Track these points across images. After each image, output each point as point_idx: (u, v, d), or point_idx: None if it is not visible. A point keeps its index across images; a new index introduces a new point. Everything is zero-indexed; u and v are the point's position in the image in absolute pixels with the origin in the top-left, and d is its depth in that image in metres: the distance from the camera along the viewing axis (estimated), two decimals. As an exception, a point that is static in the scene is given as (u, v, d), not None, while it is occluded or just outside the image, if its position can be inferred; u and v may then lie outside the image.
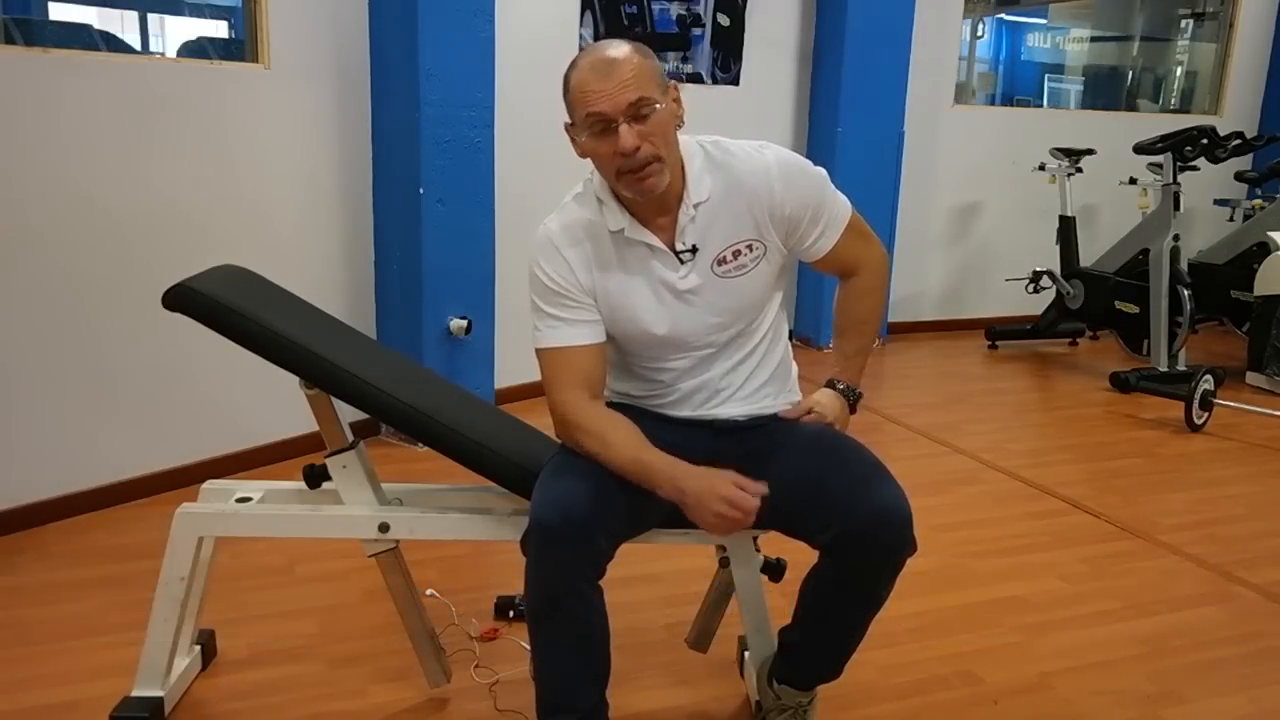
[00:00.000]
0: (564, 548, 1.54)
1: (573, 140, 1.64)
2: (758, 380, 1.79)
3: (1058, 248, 5.20)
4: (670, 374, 1.76)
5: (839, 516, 1.58)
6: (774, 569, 2.02)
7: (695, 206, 1.66)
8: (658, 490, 1.59)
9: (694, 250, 1.68)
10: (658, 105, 1.57)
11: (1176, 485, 3.42)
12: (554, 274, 1.68)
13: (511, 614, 2.30)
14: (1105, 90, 7.11)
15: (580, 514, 1.54)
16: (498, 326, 3.61)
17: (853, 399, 1.86)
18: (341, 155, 3.36)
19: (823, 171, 1.75)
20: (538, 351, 1.70)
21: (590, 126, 1.57)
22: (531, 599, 1.59)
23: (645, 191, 1.60)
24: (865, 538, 1.58)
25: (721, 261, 1.69)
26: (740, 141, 1.73)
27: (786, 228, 1.72)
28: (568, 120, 1.63)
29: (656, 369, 1.77)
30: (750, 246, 1.70)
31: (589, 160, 1.65)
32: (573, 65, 1.61)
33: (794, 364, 1.89)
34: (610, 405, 1.76)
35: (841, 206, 1.77)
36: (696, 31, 4.43)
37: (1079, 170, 5.17)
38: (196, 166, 2.97)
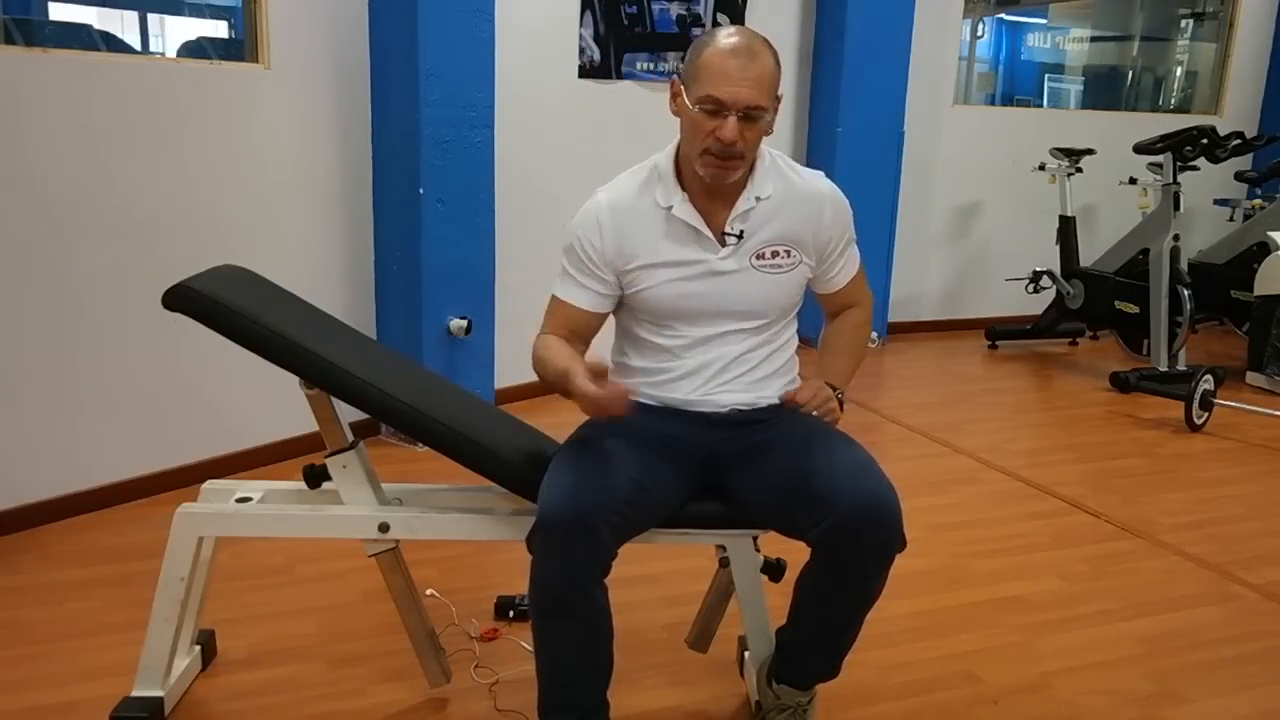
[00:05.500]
0: (571, 544, 1.54)
1: (673, 96, 1.74)
2: (762, 371, 1.83)
3: (1058, 248, 5.20)
4: (683, 342, 1.80)
5: (827, 510, 1.59)
6: (774, 569, 2.02)
7: (757, 199, 1.75)
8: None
9: (740, 236, 1.75)
10: (767, 117, 1.67)
11: (1176, 485, 3.42)
12: (585, 241, 1.77)
13: (511, 614, 2.30)
14: (1105, 90, 7.11)
15: (588, 510, 1.55)
16: (498, 326, 3.61)
17: (839, 398, 1.89)
18: (341, 155, 3.36)
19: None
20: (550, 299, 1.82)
21: (704, 104, 1.65)
22: (537, 595, 1.60)
23: (717, 177, 1.70)
24: (853, 530, 1.59)
25: (761, 256, 1.77)
26: (799, 165, 1.86)
27: (823, 252, 1.84)
28: (679, 77, 1.73)
29: (671, 337, 1.80)
30: (789, 252, 1.80)
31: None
32: (712, 37, 1.68)
33: (799, 379, 1.90)
34: None
35: (857, 252, 1.94)
36: (696, 31, 4.43)
37: (1079, 170, 5.17)
38: (196, 167, 2.97)
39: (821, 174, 1.85)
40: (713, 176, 1.69)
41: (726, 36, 1.66)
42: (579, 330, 1.80)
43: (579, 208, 1.80)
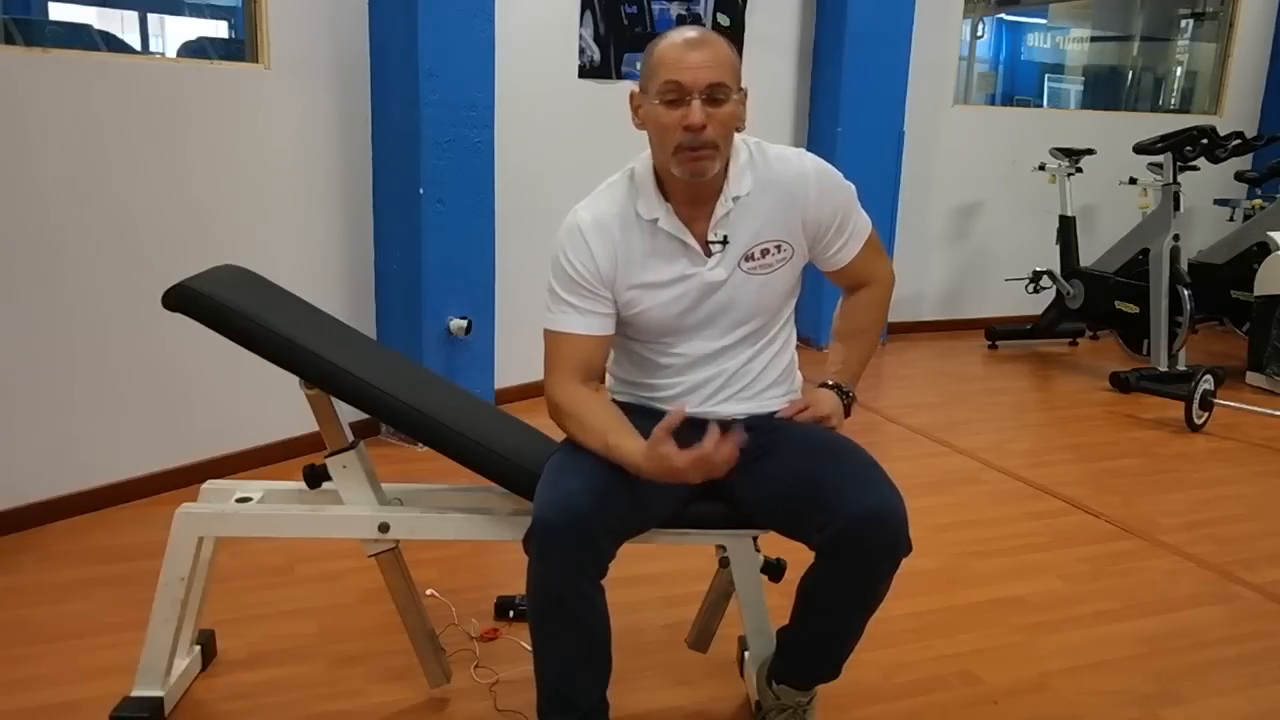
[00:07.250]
0: (567, 547, 1.54)
1: (634, 109, 1.69)
2: (764, 381, 1.81)
3: (1058, 248, 5.20)
4: (682, 360, 1.78)
5: (834, 517, 1.58)
6: (774, 569, 2.02)
7: (734, 200, 1.70)
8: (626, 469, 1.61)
9: (724, 242, 1.71)
10: (733, 96, 1.62)
11: (1176, 485, 3.42)
12: (577, 263, 1.70)
13: (511, 614, 2.30)
14: (1105, 90, 7.11)
15: (583, 513, 1.54)
16: (498, 326, 3.61)
17: (848, 401, 1.87)
18: (341, 155, 3.36)
19: (853, 186, 1.80)
20: (545, 332, 1.74)
21: (664, 94, 1.60)
22: (533, 598, 1.59)
23: (695, 173, 1.63)
24: (860, 538, 1.58)
25: (749, 258, 1.73)
26: (779, 146, 1.78)
27: (815, 234, 1.77)
28: (635, 89, 1.69)
29: (669, 355, 1.78)
30: (779, 247, 1.74)
31: (641, 134, 1.69)
32: (661, 36, 1.65)
33: (799, 373, 1.90)
34: (614, 403, 1.77)
35: (864, 221, 1.83)
36: (696, 31, 4.43)
37: (1079, 170, 5.17)
38: (196, 166, 2.97)
39: (804, 151, 1.78)
40: (691, 173, 1.63)
41: (674, 31, 1.64)
42: (593, 362, 1.73)
43: (569, 217, 1.74)
